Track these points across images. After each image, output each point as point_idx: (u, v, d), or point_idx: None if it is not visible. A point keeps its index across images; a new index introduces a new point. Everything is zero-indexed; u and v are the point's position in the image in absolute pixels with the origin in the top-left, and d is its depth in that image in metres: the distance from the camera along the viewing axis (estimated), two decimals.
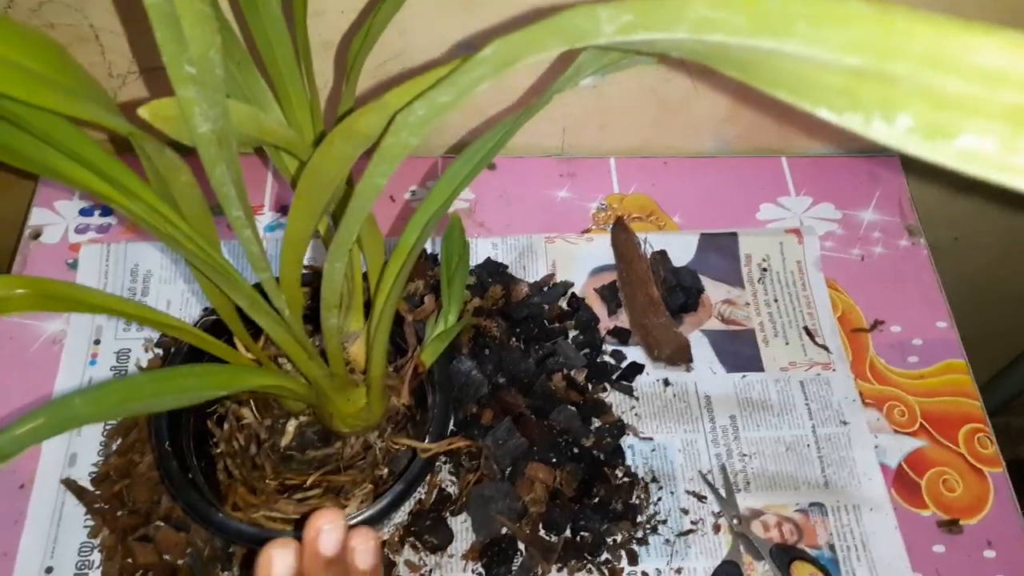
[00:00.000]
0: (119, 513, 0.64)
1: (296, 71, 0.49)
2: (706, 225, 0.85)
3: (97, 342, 0.74)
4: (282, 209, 0.84)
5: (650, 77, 0.81)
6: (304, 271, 0.48)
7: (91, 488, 0.66)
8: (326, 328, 0.47)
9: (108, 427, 0.69)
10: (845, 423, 0.74)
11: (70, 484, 0.66)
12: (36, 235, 0.80)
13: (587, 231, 0.84)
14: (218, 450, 0.58)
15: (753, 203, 0.87)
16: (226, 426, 0.59)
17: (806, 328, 0.79)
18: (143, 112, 0.30)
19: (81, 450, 0.68)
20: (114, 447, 0.68)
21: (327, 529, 0.38)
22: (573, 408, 0.71)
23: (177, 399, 0.39)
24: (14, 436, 0.30)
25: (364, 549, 0.40)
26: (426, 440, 0.57)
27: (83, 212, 0.83)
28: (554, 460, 0.68)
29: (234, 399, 0.59)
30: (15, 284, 0.35)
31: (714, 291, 0.81)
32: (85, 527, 0.64)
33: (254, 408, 0.58)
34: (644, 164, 0.89)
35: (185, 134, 0.32)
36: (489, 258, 0.81)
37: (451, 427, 0.59)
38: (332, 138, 0.33)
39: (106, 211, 0.84)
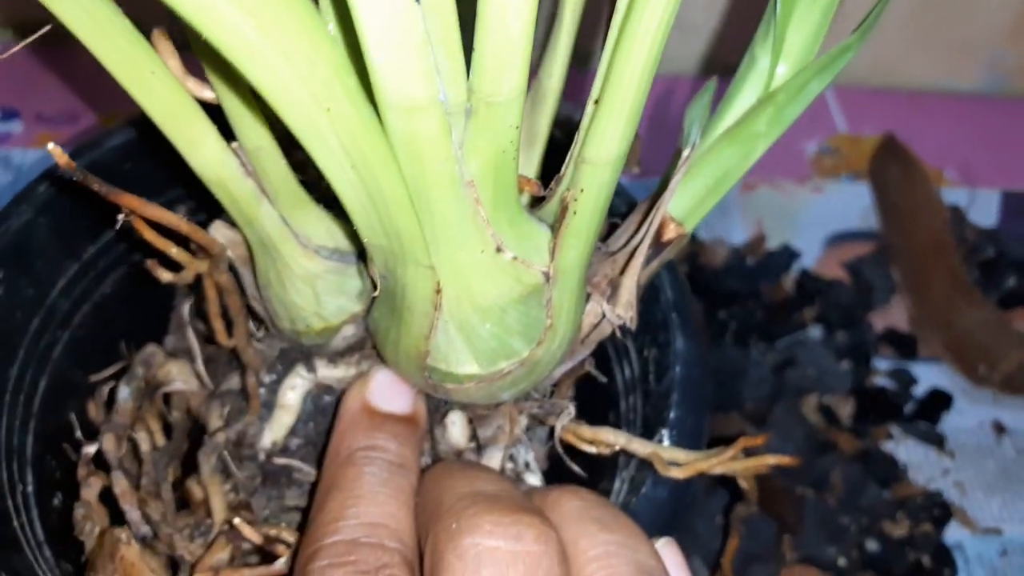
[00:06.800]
0: None
1: None
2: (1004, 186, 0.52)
3: None
4: None
5: None
6: None
7: None
8: None
9: None
10: None
11: None
12: None
13: (807, 178, 0.51)
14: (91, 449, 0.22)
15: None
16: (124, 392, 0.23)
17: None
18: None
19: None
20: None
21: None
22: (856, 465, 0.36)
23: None
24: None
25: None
26: (664, 439, 0.20)
27: None
28: (839, 563, 0.33)
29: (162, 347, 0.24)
30: None
31: None
32: None
33: (199, 359, 0.22)
34: (879, 98, 0.57)
35: None
36: None
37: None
38: None
39: None
